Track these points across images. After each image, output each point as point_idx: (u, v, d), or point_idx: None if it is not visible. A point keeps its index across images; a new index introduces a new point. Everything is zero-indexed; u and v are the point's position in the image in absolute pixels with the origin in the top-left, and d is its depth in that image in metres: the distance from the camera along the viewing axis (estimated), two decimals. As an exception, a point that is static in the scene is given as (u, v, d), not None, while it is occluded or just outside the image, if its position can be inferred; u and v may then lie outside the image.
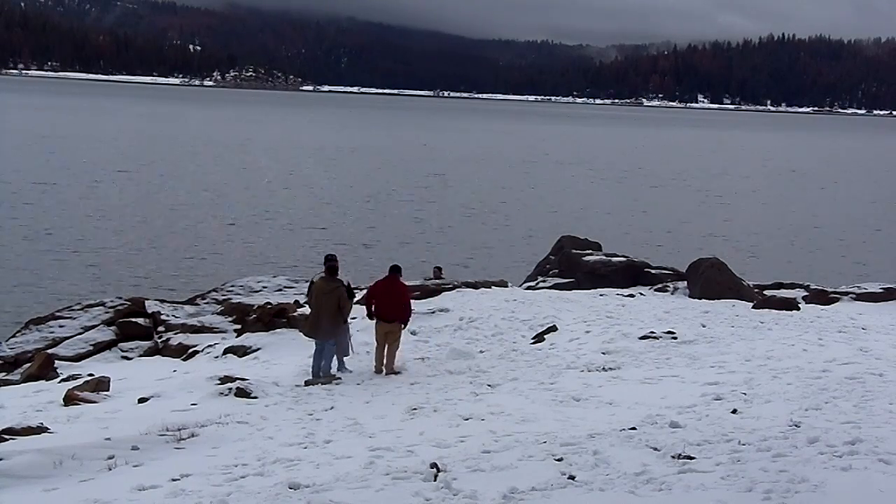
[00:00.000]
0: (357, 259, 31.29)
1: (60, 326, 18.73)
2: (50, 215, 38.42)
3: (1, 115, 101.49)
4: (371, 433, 10.04)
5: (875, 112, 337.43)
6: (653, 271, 22.55)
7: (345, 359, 14.26)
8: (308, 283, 14.99)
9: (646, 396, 11.03)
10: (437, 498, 7.28)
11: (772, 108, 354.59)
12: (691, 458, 7.92)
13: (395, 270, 14.25)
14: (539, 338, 15.65)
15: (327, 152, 79.08)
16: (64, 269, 29.00)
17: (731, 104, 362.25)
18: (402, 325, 14.09)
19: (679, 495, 6.96)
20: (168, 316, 19.27)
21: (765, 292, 20.89)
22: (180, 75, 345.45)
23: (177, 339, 18.28)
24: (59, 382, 15.14)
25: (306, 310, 15.66)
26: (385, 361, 13.86)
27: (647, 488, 7.18)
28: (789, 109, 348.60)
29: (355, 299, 14.95)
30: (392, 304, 13.95)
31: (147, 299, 20.26)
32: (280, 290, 20.82)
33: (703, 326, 15.86)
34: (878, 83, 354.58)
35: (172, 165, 60.80)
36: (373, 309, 14.05)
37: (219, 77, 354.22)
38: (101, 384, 14.15)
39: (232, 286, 21.15)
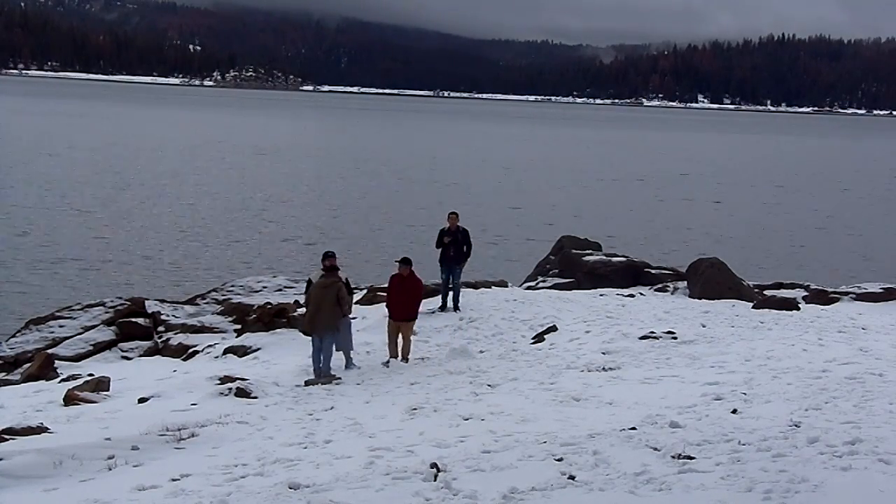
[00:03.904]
0: (357, 259, 31.27)
1: (60, 326, 18.73)
2: (50, 216, 38.42)
3: (1, 115, 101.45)
4: (371, 433, 10.04)
5: (875, 112, 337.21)
6: (653, 271, 22.53)
7: (351, 353, 14.35)
8: (306, 282, 15.03)
9: (646, 396, 11.03)
10: (437, 498, 7.27)
11: (772, 108, 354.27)
12: (691, 458, 7.92)
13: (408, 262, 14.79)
14: (539, 338, 15.66)
15: (329, 153, 79.06)
16: (64, 270, 28.97)
17: (731, 104, 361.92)
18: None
19: (679, 495, 6.96)
20: (168, 316, 19.28)
21: (765, 292, 20.88)
22: (180, 75, 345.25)
23: (177, 339, 18.29)
24: (59, 382, 15.16)
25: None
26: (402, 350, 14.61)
27: (647, 488, 7.18)
28: (789, 109, 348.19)
29: (355, 297, 15.04)
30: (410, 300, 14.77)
31: (147, 299, 20.26)
32: (280, 290, 20.81)
33: (703, 326, 15.86)
34: (878, 83, 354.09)
35: (172, 166, 60.78)
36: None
37: (219, 77, 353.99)
38: (101, 384, 14.16)
39: (232, 286, 21.15)
